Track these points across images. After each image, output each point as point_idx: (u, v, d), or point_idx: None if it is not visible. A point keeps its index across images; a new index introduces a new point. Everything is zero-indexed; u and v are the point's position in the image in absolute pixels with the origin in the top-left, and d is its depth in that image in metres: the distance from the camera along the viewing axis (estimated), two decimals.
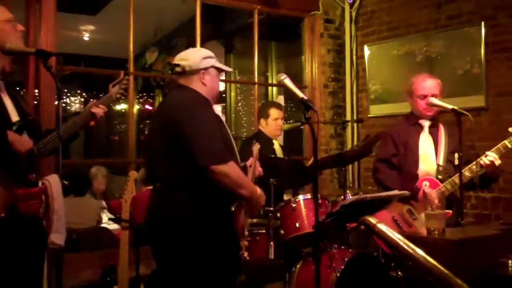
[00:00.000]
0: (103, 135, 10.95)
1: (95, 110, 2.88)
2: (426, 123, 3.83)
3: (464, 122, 3.44)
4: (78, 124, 2.85)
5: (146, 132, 3.03)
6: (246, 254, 3.20)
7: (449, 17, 5.26)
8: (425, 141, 3.80)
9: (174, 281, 2.84)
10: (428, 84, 3.77)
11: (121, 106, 9.93)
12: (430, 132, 3.82)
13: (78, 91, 9.89)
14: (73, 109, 9.69)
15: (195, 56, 3.01)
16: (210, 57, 3.04)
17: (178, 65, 2.99)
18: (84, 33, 8.35)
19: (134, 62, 5.01)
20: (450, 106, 3.53)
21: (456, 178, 3.56)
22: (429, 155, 3.77)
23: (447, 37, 5.25)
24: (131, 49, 4.85)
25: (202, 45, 5.27)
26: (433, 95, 3.74)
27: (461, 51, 5.13)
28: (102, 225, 5.20)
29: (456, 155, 3.44)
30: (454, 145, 3.75)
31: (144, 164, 3.05)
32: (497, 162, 3.54)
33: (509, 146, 3.54)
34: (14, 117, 2.61)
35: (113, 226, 4.81)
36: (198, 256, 2.77)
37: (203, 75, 2.97)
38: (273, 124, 4.90)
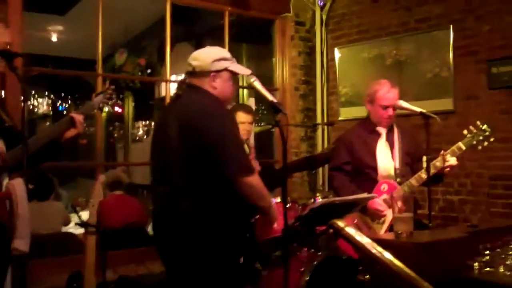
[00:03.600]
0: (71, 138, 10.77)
1: (73, 114, 2.85)
2: (383, 131, 3.79)
3: (432, 125, 3.47)
4: (55, 131, 2.81)
5: (154, 131, 2.97)
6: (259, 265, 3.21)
7: (418, 21, 5.30)
8: (382, 148, 3.75)
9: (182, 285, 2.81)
10: (392, 96, 3.73)
11: None
12: (386, 137, 3.79)
13: (46, 93, 9.72)
14: (40, 111, 9.52)
15: (206, 57, 2.86)
16: (224, 59, 2.88)
17: (190, 64, 2.87)
18: (52, 33, 8.23)
19: (103, 63, 4.94)
20: (418, 109, 3.55)
21: (412, 180, 3.59)
22: (387, 161, 3.74)
23: (417, 41, 5.30)
24: (100, 50, 4.79)
25: (172, 47, 5.23)
26: (394, 104, 3.72)
27: (430, 55, 5.19)
28: (69, 230, 5.12)
29: (424, 158, 3.46)
30: (408, 145, 3.80)
31: (152, 166, 2.95)
32: (455, 163, 3.58)
33: (464, 148, 3.58)
34: None
35: (80, 231, 4.73)
36: (210, 264, 2.72)
37: (214, 78, 2.83)
38: (240, 128, 4.85)
